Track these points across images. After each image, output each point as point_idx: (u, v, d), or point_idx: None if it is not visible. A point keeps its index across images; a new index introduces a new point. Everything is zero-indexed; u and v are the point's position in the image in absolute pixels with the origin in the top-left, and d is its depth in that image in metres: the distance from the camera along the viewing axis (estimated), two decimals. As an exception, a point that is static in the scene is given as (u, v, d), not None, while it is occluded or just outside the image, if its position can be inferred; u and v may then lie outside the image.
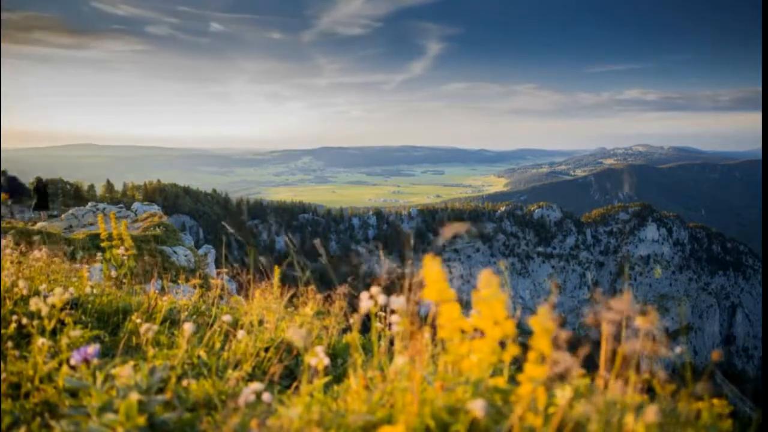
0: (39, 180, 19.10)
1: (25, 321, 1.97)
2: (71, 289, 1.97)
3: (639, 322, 1.24)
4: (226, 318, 2.13)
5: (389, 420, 1.30)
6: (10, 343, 1.82)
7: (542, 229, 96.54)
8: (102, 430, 1.32)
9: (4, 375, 1.68)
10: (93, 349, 1.56)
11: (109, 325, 2.91)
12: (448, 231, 1.34)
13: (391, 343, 1.79)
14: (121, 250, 4.33)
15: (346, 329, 2.80)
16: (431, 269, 1.23)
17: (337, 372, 2.39)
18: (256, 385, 1.41)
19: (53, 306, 1.76)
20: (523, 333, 1.26)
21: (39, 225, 15.84)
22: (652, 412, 1.10)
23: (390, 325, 1.64)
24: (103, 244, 4.43)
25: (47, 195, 19.02)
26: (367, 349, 2.63)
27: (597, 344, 1.32)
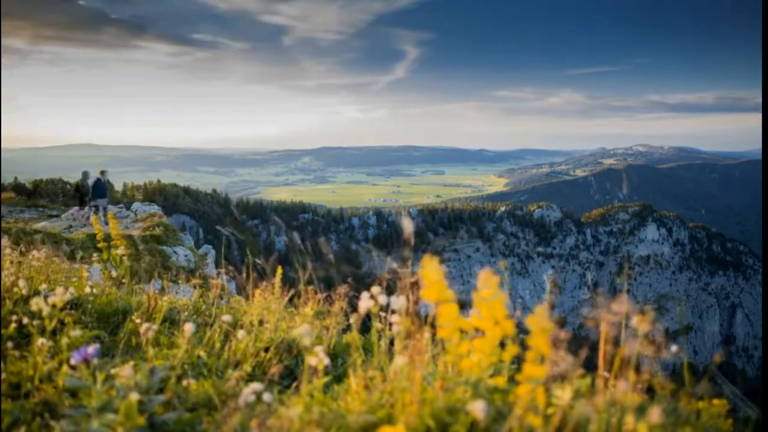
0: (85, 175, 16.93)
1: (25, 321, 1.97)
2: (71, 289, 1.97)
3: (638, 322, 1.24)
4: (226, 318, 2.13)
5: (389, 420, 1.29)
6: (10, 343, 1.82)
7: (542, 229, 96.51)
8: (102, 430, 1.32)
9: (4, 375, 1.68)
10: (93, 349, 1.56)
11: (109, 325, 2.91)
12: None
13: (392, 343, 1.79)
14: (120, 250, 4.33)
15: (347, 329, 2.80)
16: (430, 269, 1.23)
17: (337, 372, 2.39)
18: (256, 385, 1.41)
19: (54, 306, 1.76)
20: (523, 333, 1.26)
21: (39, 225, 15.84)
22: (655, 413, 1.10)
23: (390, 325, 1.65)
24: (99, 245, 4.43)
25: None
26: (367, 349, 2.63)
27: (597, 344, 1.32)
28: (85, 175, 16.93)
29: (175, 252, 14.34)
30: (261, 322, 2.59)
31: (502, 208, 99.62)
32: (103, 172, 16.76)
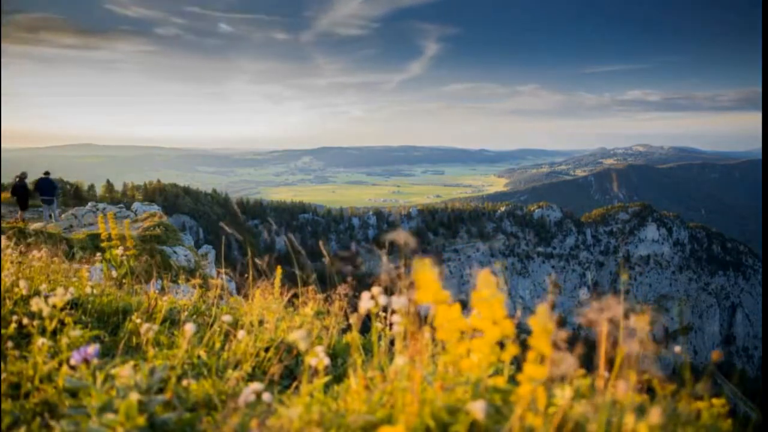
0: (22, 176, 16.99)
1: (25, 321, 1.97)
2: (71, 289, 1.97)
3: (637, 322, 1.24)
4: (226, 318, 2.13)
5: (389, 420, 1.29)
6: (10, 343, 1.82)
7: (542, 229, 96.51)
8: (102, 430, 1.32)
9: (4, 375, 1.68)
10: (93, 349, 1.56)
11: (109, 325, 2.91)
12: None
13: (392, 343, 1.79)
14: (120, 250, 4.33)
15: (347, 329, 2.80)
16: (423, 271, 1.22)
17: (337, 372, 2.39)
18: (256, 385, 1.41)
19: (54, 306, 1.76)
20: (524, 333, 1.26)
21: (38, 225, 15.84)
22: (656, 414, 1.10)
23: (390, 325, 1.64)
24: (102, 245, 4.43)
25: (28, 193, 17.39)
26: (367, 349, 2.63)
27: (597, 344, 1.32)
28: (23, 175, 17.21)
29: (175, 252, 14.34)
30: (261, 322, 2.59)
31: (502, 208, 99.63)
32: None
